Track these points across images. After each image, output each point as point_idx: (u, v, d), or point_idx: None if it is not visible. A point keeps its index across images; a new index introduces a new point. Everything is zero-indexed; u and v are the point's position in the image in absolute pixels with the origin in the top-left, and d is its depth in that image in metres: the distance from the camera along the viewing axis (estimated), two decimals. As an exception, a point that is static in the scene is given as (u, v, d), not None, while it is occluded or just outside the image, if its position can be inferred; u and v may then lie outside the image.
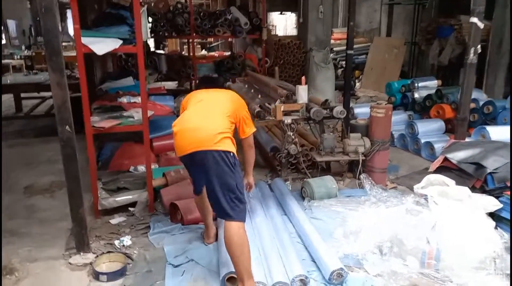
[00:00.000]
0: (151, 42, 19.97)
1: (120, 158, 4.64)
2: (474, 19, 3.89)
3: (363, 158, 4.51)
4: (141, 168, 4.40)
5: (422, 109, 6.46)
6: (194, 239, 3.44)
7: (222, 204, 2.66)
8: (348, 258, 3.12)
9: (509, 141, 3.75)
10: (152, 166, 4.49)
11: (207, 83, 3.19)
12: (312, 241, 3.19)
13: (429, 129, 5.78)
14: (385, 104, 4.48)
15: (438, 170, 3.76)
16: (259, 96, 5.21)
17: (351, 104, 7.99)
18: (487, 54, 8.04)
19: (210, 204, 3.07)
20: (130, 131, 4.03)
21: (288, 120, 4.45)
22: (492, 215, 3.24)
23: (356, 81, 13.85)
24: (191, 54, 7.17)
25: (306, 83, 4.47)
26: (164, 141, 4.93)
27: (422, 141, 5.61)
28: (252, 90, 5.63)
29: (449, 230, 2.92)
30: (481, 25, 3.87)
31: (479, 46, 3.99)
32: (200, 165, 2.73)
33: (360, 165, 4.50)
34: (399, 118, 6.61)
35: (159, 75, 6.91)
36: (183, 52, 17.61)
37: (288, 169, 4.86)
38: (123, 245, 3.31)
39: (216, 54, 12.30)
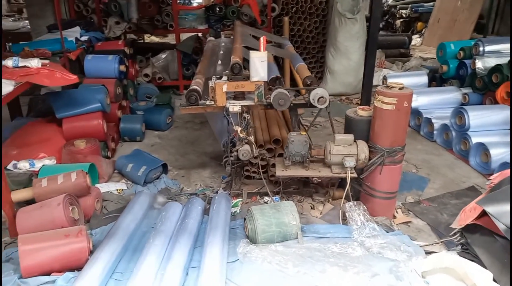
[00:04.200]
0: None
1: (12, 144, 3.35)
2: None
3: (354, 175, 2.77)
4: (24, 165, 3.09)
5: (485, 87, 4.31)
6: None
7: None
8: None
9: None
10: (48, 162, 3.18)
11: None
12: None
13: (487, 121, 3.75)
14: (399, 89, 2.61)
15: (467, 231, 1.96)
16: (219, 62, 3.54)
17: (386, 72, 5.94)
18: None
19: None
20: None
21: (235, 107, 2.79)
22: None
23: (417, 35, 11.18)
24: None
25: (265, 48, 2.71)
26: (76, 122, 3.55)
27: (473, 140, 3.63)
28: (221, 52, 3.95)
29: None
30: None
31: None
32: None
33: (348, 186, 2.78)
34: (447, 99, 4.57)
35: (128, 24, 5.40)
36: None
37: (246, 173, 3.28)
38: None
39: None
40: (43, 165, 3.12)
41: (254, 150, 2.91)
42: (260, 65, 2.69)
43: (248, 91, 2.82)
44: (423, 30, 10.97)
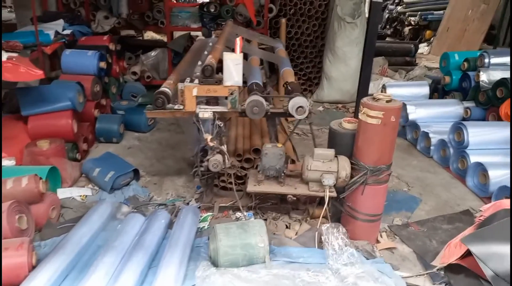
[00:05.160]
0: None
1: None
2: None
3: (333, 194, 2.50)
4: (-21, 166, 2.85)
5: (489, 102, 4.01)
6: None
7: None
8: None
9: None
10: (7, 162, 2.95)
11: None
12: None
13: (487, 139, 3.45)
14: (387, 101, 2.33)
15: (451, 270, 1.69)
16: (199, 63, 3.28)
17: (387, 80, 5.66)
18: None
19: None
20: None
21: (205, 113, 2.54)
22: None
23: (425, 44, 10.83)
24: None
25: (241, 50, 2.45)
26: (43, 121, 3.32)
27: (471, 159, 3.34)
28: (206, 52, 3.69)
29: None
30: None
31: None
32: None
33: (326, 206, 2.51)
34: (448, 112, 4.28)
35: (117, 20, 5.16)
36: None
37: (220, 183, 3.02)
38: None
39: None
40: (8, 164, 2.89)
41: (226, 160, 2.66)
42: (234, 68, 2.44)
43: (221, 96, 2.57)
44: (432, 39, 10.64)
